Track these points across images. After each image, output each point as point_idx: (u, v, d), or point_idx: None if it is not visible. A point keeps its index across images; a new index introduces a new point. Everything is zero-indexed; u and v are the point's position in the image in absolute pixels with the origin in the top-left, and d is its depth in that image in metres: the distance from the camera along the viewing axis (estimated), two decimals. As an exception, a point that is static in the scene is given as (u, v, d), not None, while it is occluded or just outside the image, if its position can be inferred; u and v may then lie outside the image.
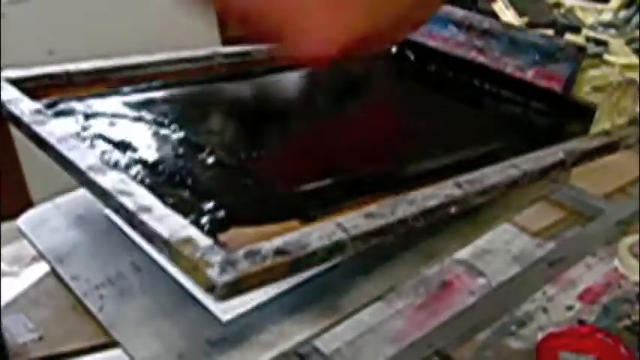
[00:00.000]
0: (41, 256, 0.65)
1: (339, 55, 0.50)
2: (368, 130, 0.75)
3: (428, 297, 0.76)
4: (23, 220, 0.68)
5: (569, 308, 0.72)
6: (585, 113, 0.81)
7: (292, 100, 0.85)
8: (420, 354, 0.64)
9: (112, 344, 0.63)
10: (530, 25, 1.08)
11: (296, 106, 0.83)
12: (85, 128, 0.65)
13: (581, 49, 0.79)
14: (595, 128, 0.80)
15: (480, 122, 0.81)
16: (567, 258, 0.78)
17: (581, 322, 0.69)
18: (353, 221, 0.53)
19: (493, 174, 0.67)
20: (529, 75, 0.81)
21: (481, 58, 0.84)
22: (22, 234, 0.67)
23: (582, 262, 0.78)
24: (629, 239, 0.80)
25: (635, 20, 1.06)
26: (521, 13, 1.09)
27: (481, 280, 0.70)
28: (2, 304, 0.68)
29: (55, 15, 1.44)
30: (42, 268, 0.72)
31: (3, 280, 0.70)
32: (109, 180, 0.52)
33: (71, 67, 0.78)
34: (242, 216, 0.54)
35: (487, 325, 0.69)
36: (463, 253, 0.80)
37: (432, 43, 0.88)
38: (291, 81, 0.87)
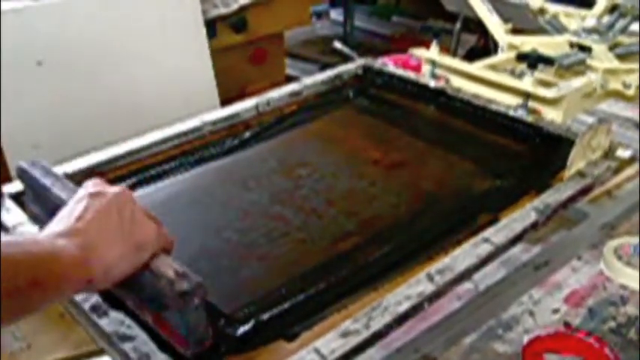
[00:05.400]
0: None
1: None
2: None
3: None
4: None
5: (555, 311, 0.72)
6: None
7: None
8: (407, 358, 0.65)
9: (98, 352, 0.63)
10: (515, 31, 1.09)
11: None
12: None
13: (184, 294, 0.51)
14: (569, 171, 0.80)
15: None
16: (553, 261, 0.79)
17: (567, 325, 0.70)
18: (330, 344, 0.55)
19: (464, 257, 0.66)
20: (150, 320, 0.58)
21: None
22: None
23: (568, 266, 0.79)
24: (614, 242, 0.80)
25: (617, 26, 1.07)
26: (505, 20, 1.10)
27: (467, 285, 0.70)
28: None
29: (44, 26, 1.44)
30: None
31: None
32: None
33: (68, 167, 0.80)
34: (233, 345, 0.57)
35: (473, 329, 0.69)
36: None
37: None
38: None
